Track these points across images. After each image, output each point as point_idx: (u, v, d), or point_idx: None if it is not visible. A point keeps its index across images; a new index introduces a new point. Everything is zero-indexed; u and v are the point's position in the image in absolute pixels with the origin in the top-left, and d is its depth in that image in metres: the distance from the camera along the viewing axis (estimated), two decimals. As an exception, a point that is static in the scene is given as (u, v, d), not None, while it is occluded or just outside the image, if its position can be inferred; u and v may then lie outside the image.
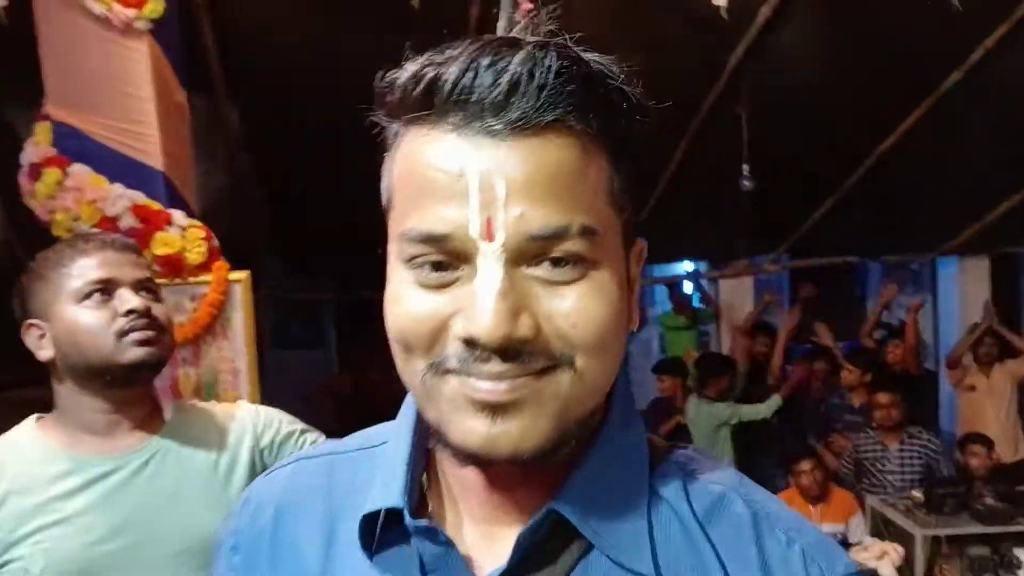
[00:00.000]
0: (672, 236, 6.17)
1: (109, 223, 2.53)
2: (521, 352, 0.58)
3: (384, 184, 0.66)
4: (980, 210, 5.86)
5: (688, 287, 7.74)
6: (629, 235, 0.66)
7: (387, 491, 0.68)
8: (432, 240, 0.59)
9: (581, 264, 0.60)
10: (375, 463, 0.73)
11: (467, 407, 0.59)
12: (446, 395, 0.60)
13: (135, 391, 1.48)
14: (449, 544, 0.65)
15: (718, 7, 3.07)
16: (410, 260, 0.60)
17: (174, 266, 2.59)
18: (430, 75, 0.59)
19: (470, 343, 0.58)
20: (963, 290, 6.96)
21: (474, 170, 0.58)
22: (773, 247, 6.60)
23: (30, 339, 1.46)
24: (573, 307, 0.59)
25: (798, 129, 4.87)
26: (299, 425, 1.66)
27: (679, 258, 8.13)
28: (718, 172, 4.99)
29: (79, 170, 2.59)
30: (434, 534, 0.65)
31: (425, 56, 0.60)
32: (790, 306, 7.07)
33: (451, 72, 0.58)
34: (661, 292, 8.64)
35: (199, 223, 2.68)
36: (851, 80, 4.55)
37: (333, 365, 7.71)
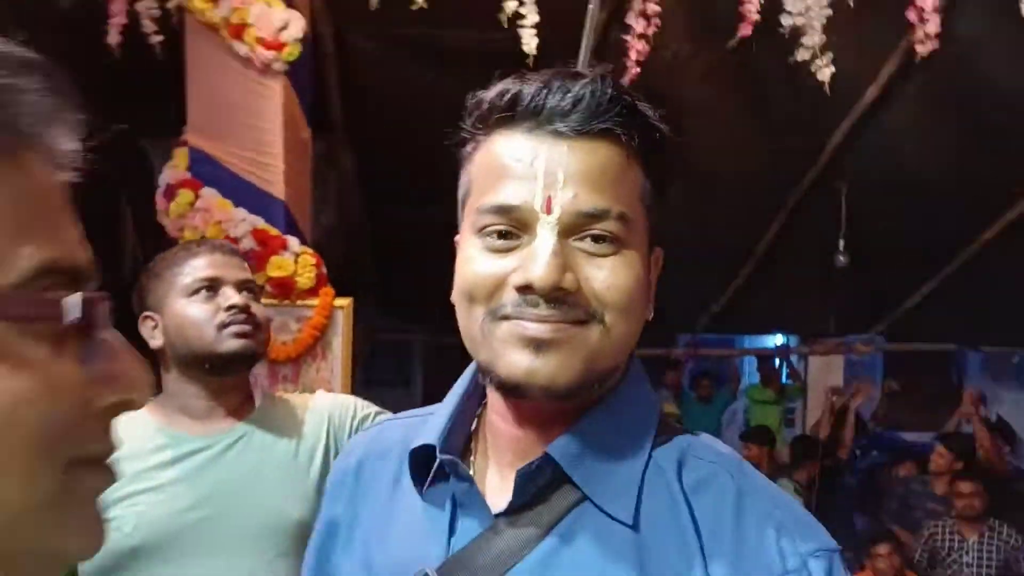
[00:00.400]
0: (765, 307, 6.14)
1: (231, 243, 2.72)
2: (564, 302, 0.73)
3: (463, 181, 0.82)
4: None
5: (777, 361, 7.64)
6: (653, 239, 0.81)
7: (430, 434, 0.83)
8: (503, 211, 0.74)
9: (616, 243, 0.75)
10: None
11: (516, 344, 0.74)
12: (499, 336, 0.75)
13: (231, 380, 1.63)
14: (471, 481, 0.79)
15: (822, 83, 3.13)
16: (481, 229, 0.76)
17: (285, 288, 2.77)
18: (513, 90, 0.76)
19: (524, 289, 0.72)
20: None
21: (541, 160, 0.74)
22: (868, 327, 6.49)
23: (145, 330, 1.63)
24: (608, 274, 0.74)
25: (900, 210, 4.83)
26: (373, 408, 1.78)
27: (771, 330, 8.05)
28: (816, 246, 4.98)
29: (209, 193, 2.81)
30: (456, 467, 0.79)
31: (508, 79, 0.78)
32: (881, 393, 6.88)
33: (529, 89, 0.75)
34: (751, 364, 8.54)
35: (311, 251, 2.86)
36: (956, 165, 4.51)
37: (417, 404, 7.84)
